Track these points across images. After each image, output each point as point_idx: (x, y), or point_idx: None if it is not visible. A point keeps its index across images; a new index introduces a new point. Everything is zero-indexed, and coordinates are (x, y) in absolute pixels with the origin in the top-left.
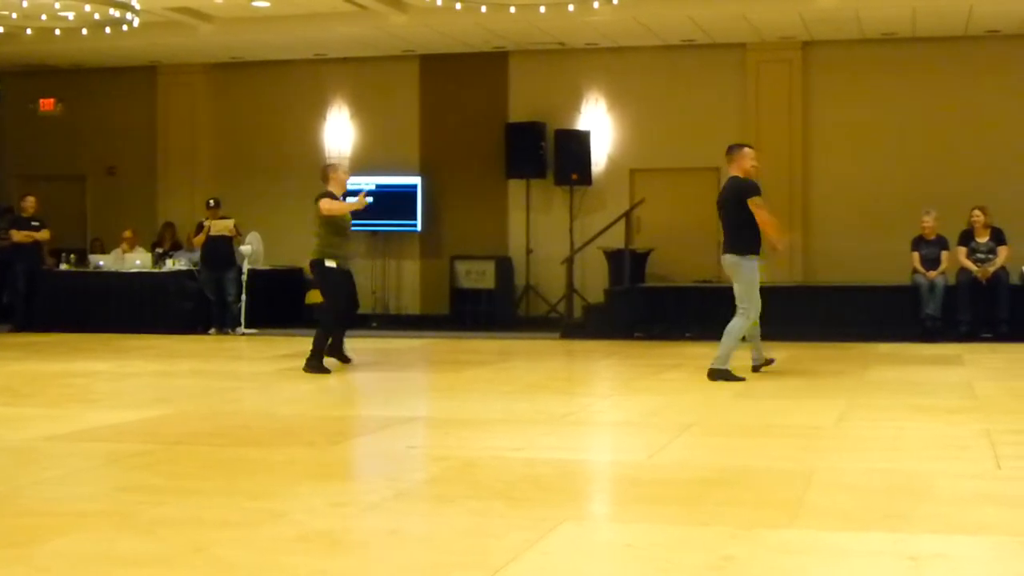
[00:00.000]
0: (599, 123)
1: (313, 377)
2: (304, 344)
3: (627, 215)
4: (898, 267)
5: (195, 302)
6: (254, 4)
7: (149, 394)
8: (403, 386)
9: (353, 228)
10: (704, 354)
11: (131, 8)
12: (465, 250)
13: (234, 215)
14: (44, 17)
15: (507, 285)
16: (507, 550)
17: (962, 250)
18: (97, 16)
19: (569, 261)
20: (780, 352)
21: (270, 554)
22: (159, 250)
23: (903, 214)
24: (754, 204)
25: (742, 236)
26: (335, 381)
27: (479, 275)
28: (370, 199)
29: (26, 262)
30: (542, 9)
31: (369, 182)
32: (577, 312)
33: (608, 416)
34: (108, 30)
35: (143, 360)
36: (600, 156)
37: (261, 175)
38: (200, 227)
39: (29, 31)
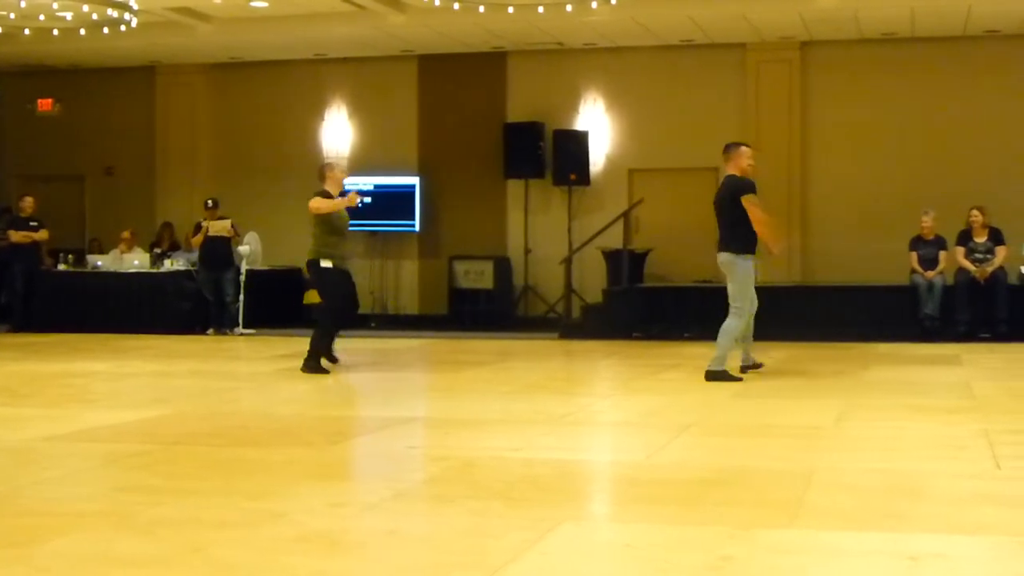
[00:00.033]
0: (598, 123)
1: (311, 377)
2: (302, 344)
3: (626, 215)
4: (897, 267)
5: (193, 302)
6: (252, 4)
7: (147, 394)
8: (402, 386)
9: (352, 228)
10: (702, 354)
11: (129, 8)
12: (464, 250)
13: (233, 215)
14: (42, 17)
15: (506, 285)
16: (506, 550)
17: (960, 250)
18: (95, 16)
19: (568, 261)
20: (779, 352)
21: (268, 554)
22: (157, 250)
23: (902, 214)
24: (748, 202)
25: (737, 235)
26: (333, 381)
27: (478, 275)
28: (366, 199)
29: (24, 262)
30: (540, 9)
31: (367, 182)
32: (576, 312)
33: (607, 416)
34: (106, 30)
35: (141, 360)
36: (599, 156)
37: (260, 175)
38: (198, 227)
39: (27, 31)
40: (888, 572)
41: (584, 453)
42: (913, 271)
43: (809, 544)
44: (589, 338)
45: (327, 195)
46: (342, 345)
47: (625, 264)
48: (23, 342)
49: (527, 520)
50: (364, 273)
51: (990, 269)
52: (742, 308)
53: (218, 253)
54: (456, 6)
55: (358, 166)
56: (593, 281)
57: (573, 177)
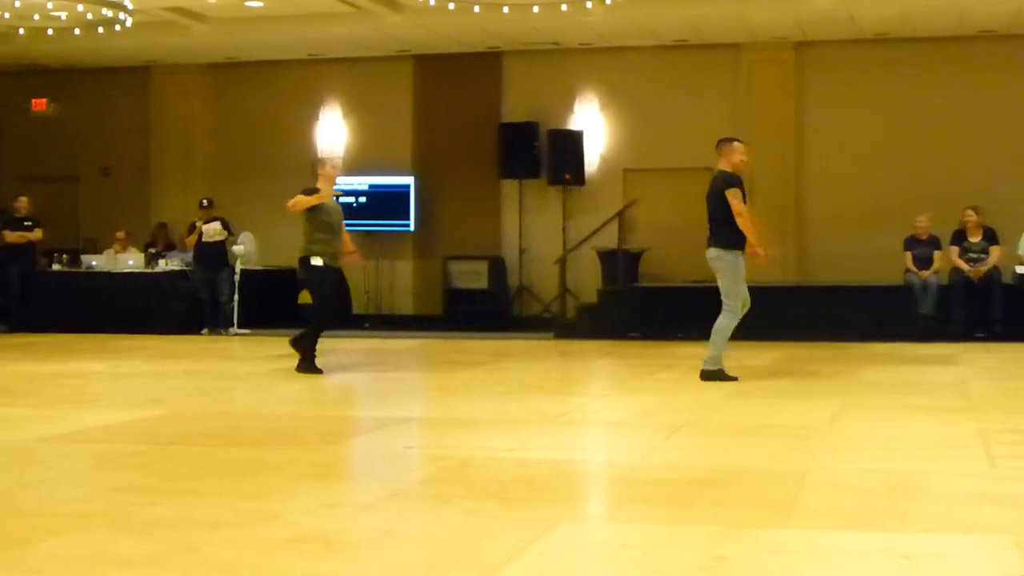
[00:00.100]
0: (593, 123)
1: (306, 377)
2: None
3: (620, 215)
4: (892, 267)
5: (188, 302)
6: (248, 4)
7: (143, 394)
8: (397, 386)
9: (346, 228)
10: (697, 354)
11: (124, 8)
12: (458, 250)
13: (228, 215)
14: (37, 17)
15: (500, 285)
16: (502, 550)
17: (954, 250)
18: (90, 16)
19: (562, 261)
20: (774, 352)
21: (264, 555)
22: (152, 250)
23: (897, 213)
24: (730, 195)
25: (726, 230)
26: (328, 381)
27: (473, 275)
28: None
29: (20, 263)
30: (535, 9)
31: (362, 182)
32: (571, 312)
33: (602, 416)
34: (101, 30)
35: (137, 360)
36: (593, 156)
37: (255, 175)
38: (192, 227)
39: (22, 31)
40: (882, 571)
41: (579, 453)
42: (907, 271)
43: (803, 544)
44: (584, 338)
45: (311, 192)
46: (337, 345)
47: (620, 264)
48: (19, 342)
49: (522, 520)
50: (359, 273)
51: (984, 269)
52: (734, 305)
53: (213, 253)
54: (451, 6)
55: (353, 166)
56: (588, 281)
57: (568, 177)
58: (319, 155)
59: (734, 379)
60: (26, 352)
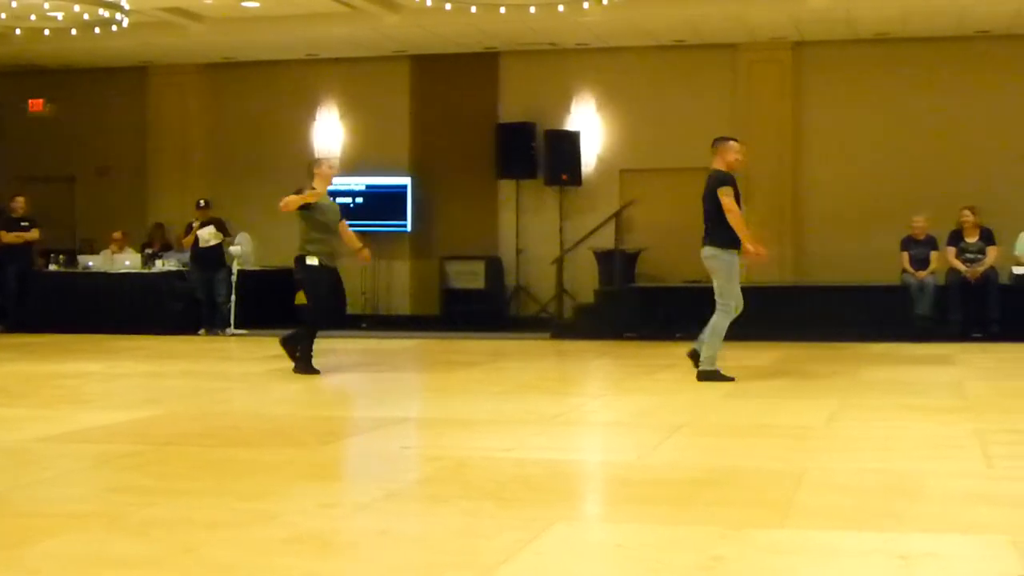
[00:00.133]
0: (589, 123)
1: (303, 378)
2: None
3: (617, 215)
4: (890, 267)
5: (185, 303)
6: (244, 4)
7: (139, 395)
8: (394, 387)
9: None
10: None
11: (120, 8)
12: (455, 250)
13: (225, 216)
14: (33, 17)
15: (497, 285)
16: (499, 550)
17: (951, 250)
18: (87, 16)
19: (559, 261)
20: (772, 352)
21: (260, 555)
22: (149, 251)
23: (895, 213)
24: (721, 193)
25: (721, 229)
26: (325, 382)
27: (469, 275)
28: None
29: (17, 263)
30: (532, 9)
31: (359, 182)
32: (568, 312)
33: (599, 416)
34: (98, 30)
35: (133, 361)
36: (590, 156)
37: (252, 176)
38: (189, 228)
39: (18, 31)
40: (880, 571)
41: (576, 453)
42: (904, 271)
43: (800, 544)
44: (581, 338)
45: (306, 191)
46: (334, 346)
47: (617, 264)
48: (15, 343)
49: (519, 520)
50: (355, 273)
51: (981, 269)
52: (729, 305)
53: (210, 254)
54: (448, 6)
55: (350, 166)
56: (585, 281)
57: (565, 177)
58: (316, 155)
59: (731, 379)
60: (23, 352)
